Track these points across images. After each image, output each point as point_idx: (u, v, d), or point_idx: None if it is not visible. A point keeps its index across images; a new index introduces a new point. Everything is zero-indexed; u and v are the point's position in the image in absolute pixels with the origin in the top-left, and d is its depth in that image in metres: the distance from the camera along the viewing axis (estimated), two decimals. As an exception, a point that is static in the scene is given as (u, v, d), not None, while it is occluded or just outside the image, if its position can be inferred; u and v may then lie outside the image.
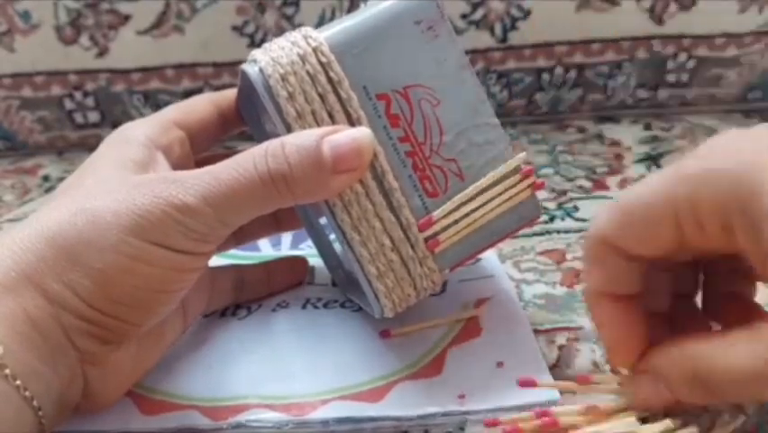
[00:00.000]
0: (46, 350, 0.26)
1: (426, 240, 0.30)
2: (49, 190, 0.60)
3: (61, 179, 0.63)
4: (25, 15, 0.64)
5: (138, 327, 0.28)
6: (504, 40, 0.65)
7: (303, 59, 0.29)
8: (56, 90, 0.67)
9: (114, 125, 0.68)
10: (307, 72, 0.29)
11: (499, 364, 0.32)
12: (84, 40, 0.65)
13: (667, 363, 0.25)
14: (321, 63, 0.29)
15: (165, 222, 0.26)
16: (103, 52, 0.65)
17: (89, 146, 0.69)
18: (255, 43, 0.65)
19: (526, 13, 0.64)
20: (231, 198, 0.27)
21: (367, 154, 0.28)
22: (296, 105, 0.28)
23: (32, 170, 0.66)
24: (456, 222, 0.30)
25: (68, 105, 0.67)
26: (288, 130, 0.29)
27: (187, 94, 0.65)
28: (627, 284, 0.27)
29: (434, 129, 0.30)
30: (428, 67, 0.30)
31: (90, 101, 0.67)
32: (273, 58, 0.29)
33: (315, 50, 0.29)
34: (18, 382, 0.24)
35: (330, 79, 0.29)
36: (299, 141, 0.27)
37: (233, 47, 0.65)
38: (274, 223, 0.38)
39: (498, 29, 0.65)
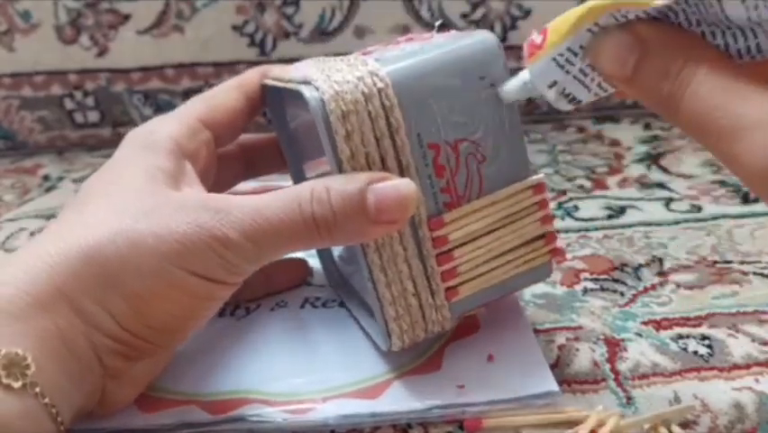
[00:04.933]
0: (74, 367, 0.26)
1: (447, 289, 0.30)
2: (49, 190, 0.60)
3: (61, 179, 0.63)
4: (25, 15, 0.64)
5: (162, 347, 0.28)
6: (504, 39, 0.65)
7: (367, 98, 0.27)
8: (56, 90, 0.67)
9: (114, 125, 0.68)
10: (369, 113, 0.28)
11: (497, 358, 0.32)
12: (84, 39, 0.65)
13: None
14: (383, 106, 0.28)
15: (206, 253, 0.26)
16: (103, 52, 0.65)
17: (89, 146, 0.70)
18: (255, 43, 0.65)
19: (526, 13, 0.64)
20: (273, 236, 0.27)
21: (410, 208, 0.28)
22: (352, 145, 0.28)
23: (31, 169, 0.66)
24: (479, 276, 0.30)
25: (69, 104, 0.67)
26: (339, 167, 0.28)
27: (187, 93, 0.65)
28: None
29: (474, 185, 0.30)
30: (483, 124, 0.29)
31: (90, 101, 0.67)
32: (337, 91, 0.27)
33: (380, 91, 0.27)
34: (47, 401, 0.24)
35: (389, 124, 0.28)
36: (345, 187, 0.27)
37: (233, 47, 0.65)
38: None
39: (498, 28, 0.65)
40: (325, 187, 0.27)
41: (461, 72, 0.29)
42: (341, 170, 0.28)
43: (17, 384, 0.23)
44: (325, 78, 0.28)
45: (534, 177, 0.31)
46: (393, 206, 0.27)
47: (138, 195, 0.28)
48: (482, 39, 0.29)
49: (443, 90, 0.28)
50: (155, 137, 0.31)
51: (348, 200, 0.27)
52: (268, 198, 0.27)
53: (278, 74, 0.33)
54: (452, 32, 0.32)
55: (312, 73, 0.29)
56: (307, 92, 0.28)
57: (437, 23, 0.33)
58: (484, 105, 0.29)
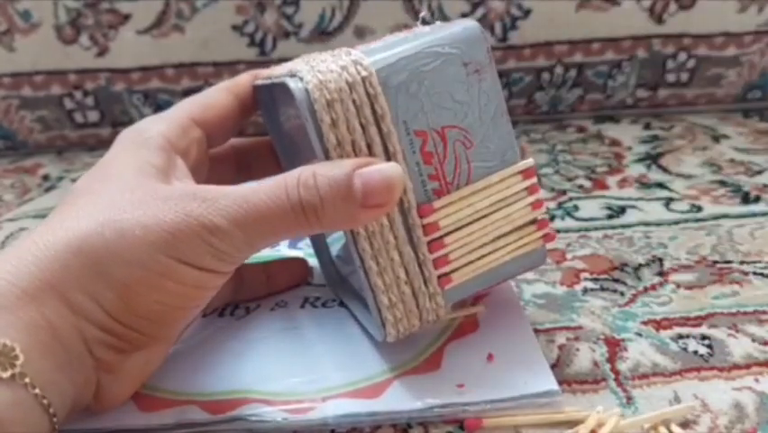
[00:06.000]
0: (65, 359, 0.26)
1: (440, 277, 0.30)
2: (48, 190, 0.60)
3: (61, 179, 0.63)
4: (25, 15, 0.64)
5: (155, 339, 0.28)
6: (504, 39, 0.65)
7: (351, 87, 0.28)
8: (56, 90, 0.67)
9: (114, 125, 0.68)
10: (353, 101, 0.28)
11: (497, 357, 0.32)
12: (84, 39, 0.65)
13: None
14: (368, 94, 0.28)
15: (194, 241, 0.26)
16: (103, 52, 0.65)
17: (89, 146, 0.70)
18: (255, 43, 0.65)
19: (526, 13, 0.64)
20: (261, 223, 0.27)
21: (397, 191, 0.28)
22: (337, 133, 0.28)
23: (31, 169, 0.66)
24: (471, 262, 0.31)
25: (68, 104, 0.67)
26: (326, 155, 0.28)
27: (187, 93, 0.65)
28: None
29: (463, 171, 0.30)
30: (469, 110, 0.30)
31: (90, 100, 0.67)
32: (321, 81, 0.28)
33: (364, 79, 0.28)
34: (37, 391, 0.24)
35: (374, 111, 0.28)
36: (332, 172, 0.27)
37: (233, 46, 0.65)
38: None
39: (498, 28, 0.65)
40: (312, 173, 0.27)
41: (445, 59, 0.29)
42: (328, 159, 0.28)
43: (6, 374, 0.23)
44: (310, 68, 0.28)
45: (523, 162, 0.31)
46: (380, 189, 0.27)
47: (127, 188, 0.28)
48: (465, 26, 0.30)
49: (428, 78, 0.29)
50: (146, 135, 0.31)
51: (335, 185, 0.27)
52: (255, 186, 0.27)
53: (268, 73, 0.33)
54: (437, 22, 0.32)
55: (297, 66, 0.29)
56: (292, 83, 0.28)
57: (421, 15, 0.33)
58: (469, 92, 0.29)
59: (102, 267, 0.26)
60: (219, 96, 0.34)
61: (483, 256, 0.31)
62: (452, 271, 0.30)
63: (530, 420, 0.29)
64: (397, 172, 0.28)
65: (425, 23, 0.32)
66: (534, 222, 0.31)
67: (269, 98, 0.36)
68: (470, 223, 0.30)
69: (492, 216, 0.30)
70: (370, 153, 0.28)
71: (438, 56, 0.29)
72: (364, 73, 0.28)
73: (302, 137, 0.33)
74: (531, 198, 0.31)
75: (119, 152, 0.31)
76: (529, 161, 0.31)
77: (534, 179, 0.31)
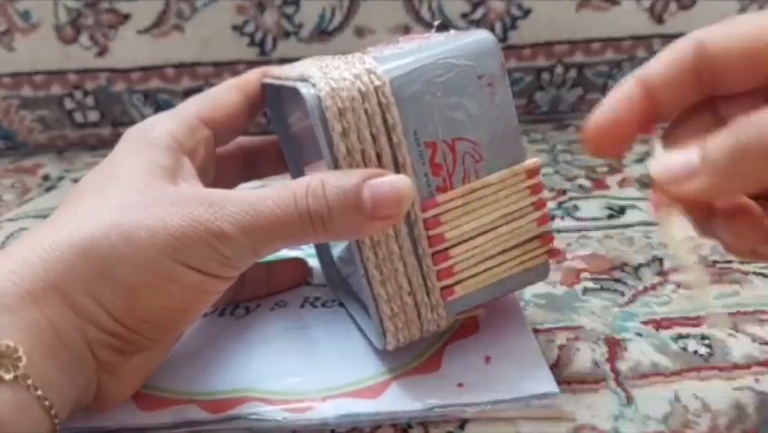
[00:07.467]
0: (67, 360, 0.26)
1: (443, 288, 0.30)
2: (49, 189, 0.60)
3: (61, 179, 0.63)
4: (25, 15, 0.64)
5: (157, 341, 0.28)
6: (504, 39, 0.65)
7: (364, 96, 0.28)
8: (56, 90, 0.67)
9: (114, 125, 0.69)
10: (365, 111, 0.28)
11: (497, 359, 0.32)
12: (84, 39, 0.65)
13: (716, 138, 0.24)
14: (380, 104, 0.28)
15: (200, 246, 0.26)
16: (103, 52, 0.65)
17: (89, 145, 0.70)
18: (255, 43, 0.65)
19: (526, 13, 0.64)
20: (268, 230, 0.27)
21: (406, 204, 0.28)
22: (348, 142, 0.28)
23: (31, 169, 0.66)
24: (475, 275, 0.31)
25: (68, 104, 0.67)
26: (335, 164, 0.28)
27: (187, 93, 0.65)
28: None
29: (472, 184, 0.30)
30: (480, 123, 0.29)
31: (90, 100, 0.67)
32: (334, 88, 0.27)
33: (377, 89, 0.28)
34: (39, 393, 0.24)
35: (385, 121, 0.28)
36: (341, 183, 0.27)
37: (233, 46, 0.65)
38: None
39: (498, 28, 0.65)
40: (321, 181, 0.27)
41: (459, 71, 0.29)
42: (337, 168, 0.28)
43: (8, 376, 0.23)
44: (322, 75, 0.28)
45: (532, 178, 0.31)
46: (389, 201, 0.27)
47: (133, 189, 0.28)
48: (480, 38, 0.29)
49: (441, 89, 0.29)
50: (153, 134, 0.31)
51: (343, 195, 0.27)
52: (263, 193, 0.27)
53: (278, 73, 0.33)
54: (451, 31, 0.32)
55: (309, 71, 0.29)
56: (304, 89, 0.28)
57: (436, 23, 0.33)
58: (482, 105, 0.29)
59: (107, 270, 0.26)
60: (228, 94, 0.34)
61: (488, 270, 0.31)
62: (456, 283, 0.30)
63: (529, 422, 0.29)
64: (407, 185, 0.27)
65: (440, 29, 0.32)
66: (539, 237, 0.31)
67: (277, 96, 0.36)
68: (476, 236, 0.30)
69: (498, 229, 0.30)
70: (380, 163, 0.28)
71: (452, 67, 0.29)
72: (377, 83, 0.28)
73: (309, 139, 0.33)
74: (538, 214, 0.31)
75: (126, 151, 0.31)
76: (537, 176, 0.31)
77: (542, 194, 0.31)
